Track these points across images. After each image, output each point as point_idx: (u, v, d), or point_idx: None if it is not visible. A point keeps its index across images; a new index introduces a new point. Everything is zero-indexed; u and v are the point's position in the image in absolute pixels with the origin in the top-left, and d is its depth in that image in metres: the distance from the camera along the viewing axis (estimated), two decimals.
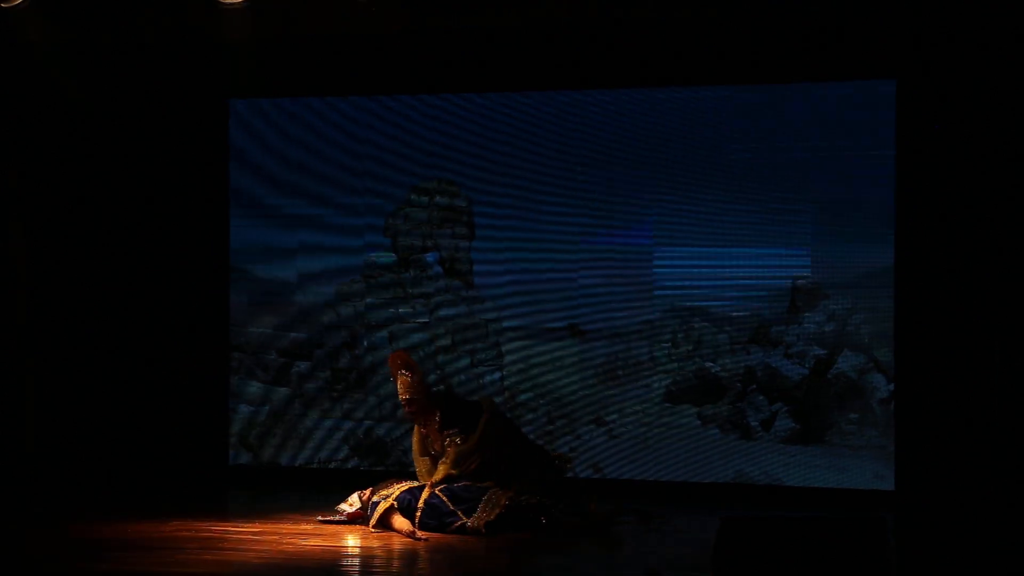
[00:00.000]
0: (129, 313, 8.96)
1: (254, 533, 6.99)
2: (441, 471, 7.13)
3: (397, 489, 7.09)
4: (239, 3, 7.96)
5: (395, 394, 7.51)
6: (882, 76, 8.04)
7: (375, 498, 7.06)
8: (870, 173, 8.07)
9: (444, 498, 6.97)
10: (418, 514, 6.95)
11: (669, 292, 8.39)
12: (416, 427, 7.38)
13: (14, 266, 8.62)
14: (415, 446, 7.36)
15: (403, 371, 7.21)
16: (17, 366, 8.64)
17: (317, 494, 7.98)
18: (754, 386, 8.30)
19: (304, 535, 6.95)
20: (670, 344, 8.41)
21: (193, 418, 8.93)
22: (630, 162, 8.44)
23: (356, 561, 6.56)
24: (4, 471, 8.46)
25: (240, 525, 7.24)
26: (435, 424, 7.21)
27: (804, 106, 8.20)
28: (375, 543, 6.77)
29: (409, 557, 6.49)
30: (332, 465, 8.87)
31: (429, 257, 8.78)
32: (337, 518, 7.24)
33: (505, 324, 8.64)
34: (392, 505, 6.98)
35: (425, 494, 7.01)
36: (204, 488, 8.54)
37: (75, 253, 8.94)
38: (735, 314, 8.30)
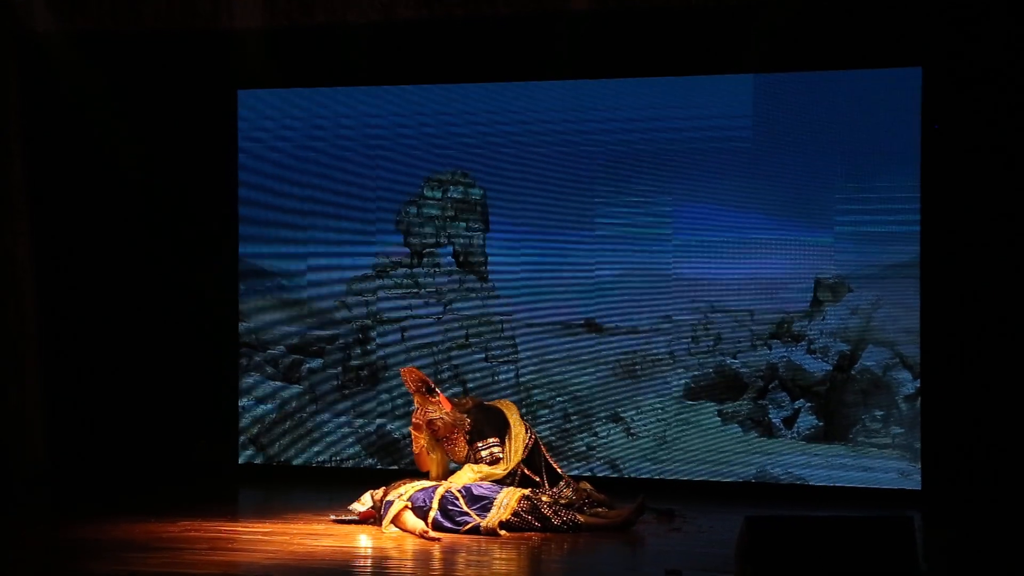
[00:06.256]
0: (137, 309, 8.96)
1: (264, 533, 6.99)
2: (468, 475, 7.15)
3: (411, 488, 7.08)
4: None
5: (407, 392, 7.54)
6: (907, 64, 8.01)
7: (389, 497, 7.06)
8: (896, 163, 8.06)
9: (459, 497, 6.98)
10: (432, 514, 6.95)
11: (689, 286, 8.39)
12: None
13: (21, 261, 8.63)
14: (425, 444, 7.35)
15: (425, 393, 7.24)
16: (25, 363, 8.66)
17: (328, 493, 7.98)
18: (776, 382, 8.30)
19: (315, 535, 6.94)
20: (690, 339, 8.41)
21: (202, 416, 8.94)
22: (650, 152, 8.46)
23: (369, 562, 6.53)
24: (12, 470, 8.48)
25: (250, 525, 7.25)
26: (460, 436, 7.23)
27: (828, 94, 8.18)
28: (388, 543, 6.73)
29: (423, 558, 6.45)
30: (344, 464, 8.89)
31: (442, 251, 8.80)
32: (349, 518, 7.23)
33: (520, 319, 8.65)
34: (406, 505, 6.98)
35: (440, 494, 7.01)
36: (213, 487, 8.55)
37: (82, 247, 8.94)
38: (756, 308, 8.30)
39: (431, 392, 7.25)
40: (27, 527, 7.31)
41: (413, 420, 7.34)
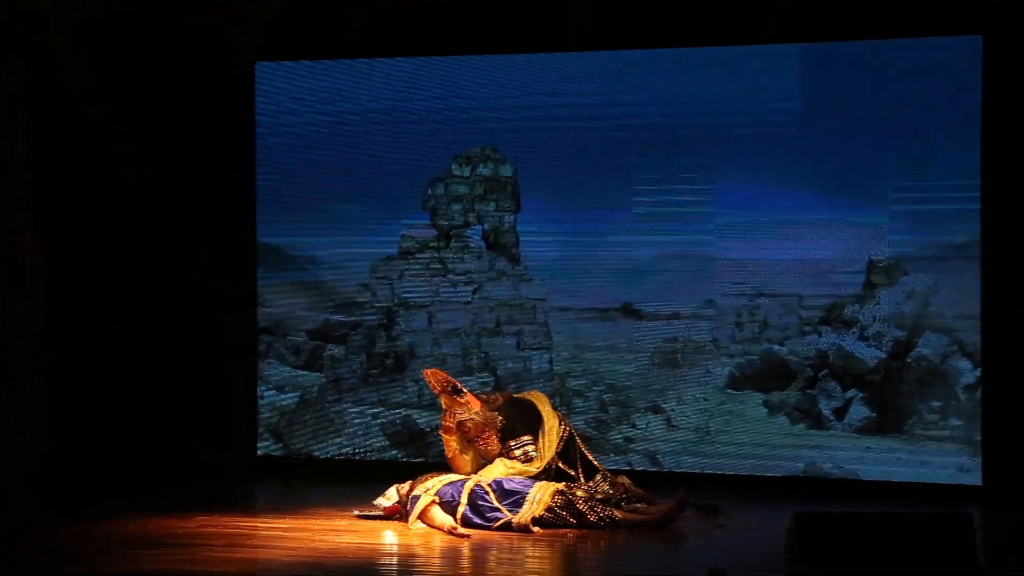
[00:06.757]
0: (150, 293, 8.98)
1: (284, 529, 7.02)
2: (500, 469, 7.13)
3: (439, 482, 7.09)
4: None
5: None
6: (967, 32, 7.93)
7: (415, 491, 7.06)
8: (955, 138, 7.99)
9: (489, 492, 6.96)
10: (461, 509, 6.94)
11: (733, 269, 8.33)
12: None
13: (28, 245, 8.66)
14: (457, 446, 7.32)
15: (452, 394, 7.25)
16: (31, 353, 8.69)
17: (352, 487, 8.01)
18: (826, 371, 8.24)
19: (338, 531, 6.96)
20: (734, 325, 8.36)
21: (219, 405, 8.97)
22: (692, 126, 8.38)
23: (394, 560, 6.58)
24: (17, 464, 8.51)
25: (269, 520, 7.29)
26: (493, 435, 7.22)
27: (883, 65, 8.11)
28: (415, 540, 6.80)
29: (452, 555, 6.47)
30: (368, 456, 8.88)
31: (471, 231, 8.78)
32: (374, 513, 7.25)
33: (554, 304, 8.63)
34: (434, 499, 6.97)
35: (468, 488, 6.99)
36: (231, 480, 8.58)
37: (91, 230, 8.96)
38: (805, 292, 8.24)
39: (457, 392, 7.26)
40: (35, 523, 7.39)
41: (443, 423, 7.34)
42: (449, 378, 7.33)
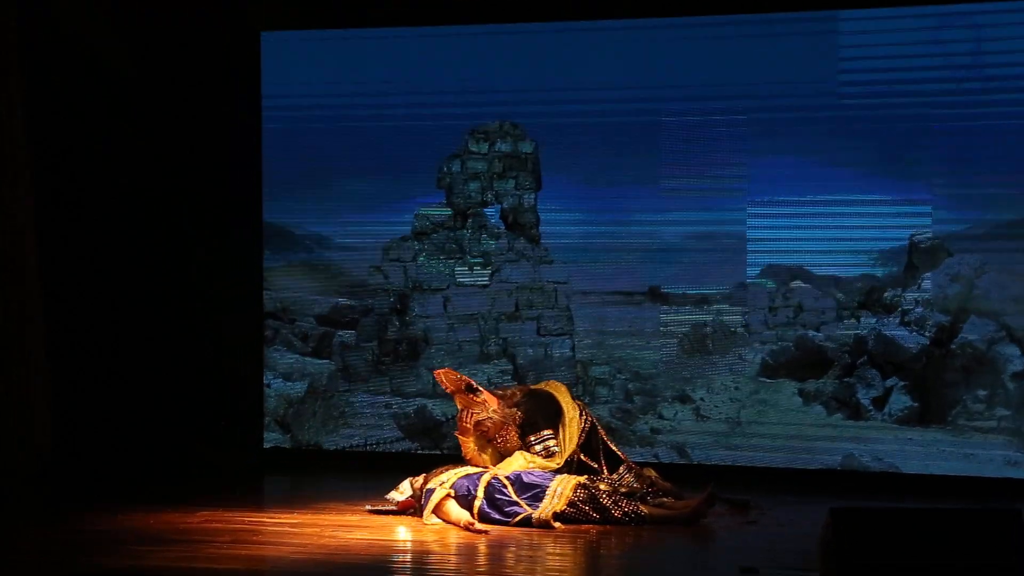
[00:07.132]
0: (153, 285, 8.98)
1: (292, 524, 7.01)
2: (520, 461, 7.09)
3: (454, 475, 7.04)
4: None
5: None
6: None
7: (430, 485, 7.03)
8: (1002, 109, 7.91)
9: (507, 485, 6.91)
10: (477, 504, 6.89)
11: (766, 250, 8.31)
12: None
13: (25, 233, 8.67)
14: (473, 444, 7.28)
15: (467, 393, 7.21)
16: (31, 345, 8.70)
17: (363, 481, 8.01)
18: (865, 358, 8.18)
19: (349, 527, 6.94)
20: (767, 310, 8.33)
21: (223, 395, 8.96)
22: (722, 98, 8.30)
23: (408, 556, 6.52)
24: (18, 459, 8.54)
25: (277, 515, 7.27)
26: (512, 431, 7.18)
27: (925, 31, 8.03)
28: (429, 536, 6.74)
29: (468, 552, 6.41)
30: (380, 448, 8.86)
31: (489, 211, 8.74)
32: (386, 508, 7.21)
33: (576, 287, 8.61)
34: (449, 493, 6.94)
35: (485, 481, 6.95)
36: (236, 474, 8.57)
37: (89, 213, 8.95)
38: (842, 275, 8.20)
39: (472, 390, 7.22)
40: (34, 519, 7.40)
41: (459, 425, 7.29)
42: (462, 376, 7.29)
